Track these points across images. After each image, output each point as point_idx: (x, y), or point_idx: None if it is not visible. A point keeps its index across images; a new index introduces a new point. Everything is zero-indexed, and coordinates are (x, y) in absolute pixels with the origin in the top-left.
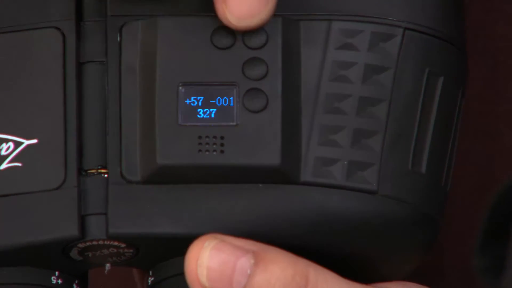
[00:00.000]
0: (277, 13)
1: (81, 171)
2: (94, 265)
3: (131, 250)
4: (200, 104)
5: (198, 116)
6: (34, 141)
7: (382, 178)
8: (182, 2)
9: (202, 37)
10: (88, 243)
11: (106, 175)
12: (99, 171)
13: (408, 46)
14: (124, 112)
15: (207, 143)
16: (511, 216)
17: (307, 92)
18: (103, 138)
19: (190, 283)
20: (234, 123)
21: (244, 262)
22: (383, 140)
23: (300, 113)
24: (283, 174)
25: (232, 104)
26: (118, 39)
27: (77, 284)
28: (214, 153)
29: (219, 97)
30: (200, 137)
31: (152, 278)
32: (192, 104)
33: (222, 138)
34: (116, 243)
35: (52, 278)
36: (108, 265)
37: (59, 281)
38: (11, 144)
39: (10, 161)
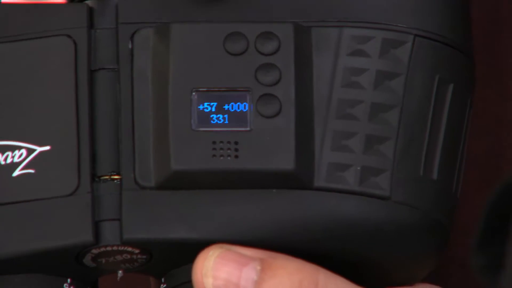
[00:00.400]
0: (288, 19)
1: (94, 177)
2: (107, 271)
3: (145, 256)
4: (213, 109)
5: (212, 121)
6: (47, 147)
7: (394, 184)
8: (194, 9)
9: (214, 43)
10: (102, 249)
11: (119, 181)
12: (112, 177)
13: (419, 53)
14: (136, 119)
15: (221, 148)
16: (509, 214)
17: (320, 98)
18: (116, 144)
19: None
20: (248, 128)
21: (249, 270)
22: (395, 146)
23: (313, 119)
24: (297, 179)
25: (245, 110)
26: (130, 46)
27: None
28: (228, 158)
29: (232, 103)
30: (214, 142)
31: (165, 285)
32: (205, 110)
33: (236, 143)
34: (130, 249)
35: (65, 285)
36: (120, 272)
37: None
38: (23, 151)
39: (23, 168)
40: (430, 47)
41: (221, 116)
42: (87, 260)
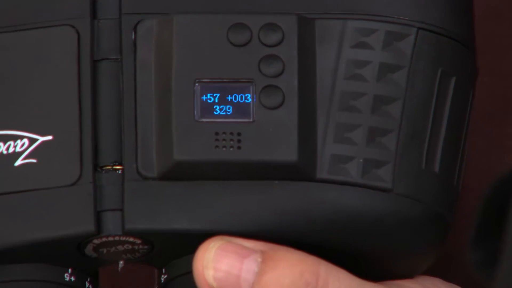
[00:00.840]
0: (292, 11)
1: (96, 167)
2: (108, 262)
3: (146, 247)
4: (216, 100)
5: (215, 112)
6: (49, 137)
7: (396, 177)
8: (197, 0)
9: (218, 34)
10: (103, 239)
11: (121, 171)
12: (114, 167)
13: (422, 46)
14: (139, 109)
15: (224, 139)
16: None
17: (323, 90)
18: (118, 134)
19: (198, 284)
20: (251, 120)
21: (250, 261)
22: (398, 139)
23: (316, 111)
24: (299, 171)
25: (248, 101)
26: (133, 36)
27: (89, 282)
28: (231, 149)
29: (235, 94)
30: (217, 133)
31: (166, 276)
32: (208, 100)
33: (239, 134)
34: (131, 239)
35: (66, 275)
36: (121, 262)
37: (72, 278)
38: (26, 140)
39: (25, 158)
40: (433, 40)
41: (224, 107)
42: (89, 250)
